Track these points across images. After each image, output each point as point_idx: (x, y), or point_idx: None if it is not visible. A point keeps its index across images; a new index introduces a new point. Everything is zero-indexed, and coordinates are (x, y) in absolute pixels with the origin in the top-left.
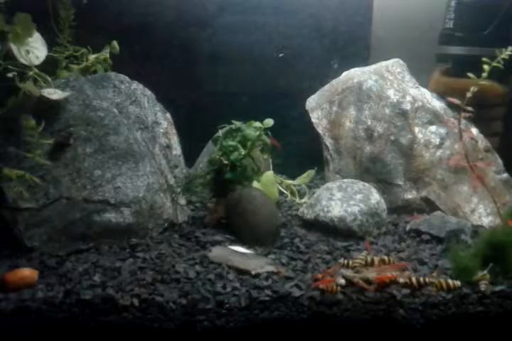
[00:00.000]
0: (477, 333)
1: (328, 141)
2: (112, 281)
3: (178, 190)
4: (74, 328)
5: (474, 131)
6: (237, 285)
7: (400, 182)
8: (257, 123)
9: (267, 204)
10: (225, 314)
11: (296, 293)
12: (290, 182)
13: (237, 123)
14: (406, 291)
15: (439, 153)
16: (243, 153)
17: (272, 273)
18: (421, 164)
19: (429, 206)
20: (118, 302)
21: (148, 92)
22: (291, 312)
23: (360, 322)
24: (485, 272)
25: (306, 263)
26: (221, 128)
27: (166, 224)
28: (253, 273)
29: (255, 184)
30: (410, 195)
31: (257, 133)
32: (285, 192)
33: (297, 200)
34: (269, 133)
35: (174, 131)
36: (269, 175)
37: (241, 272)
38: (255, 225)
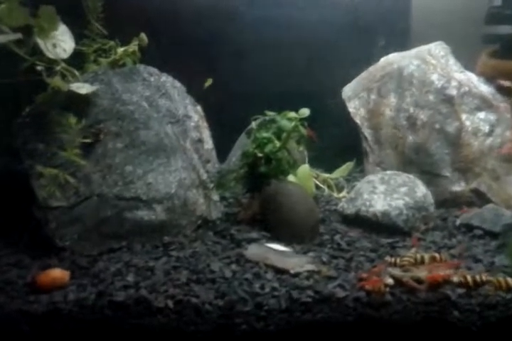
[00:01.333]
0: None
1: (366, 132)
2: (146, 282)
3: (211, 185)
4: (106, 331)
5: None
6: (276, 285)
7: (447, 174)
8: (292, 114)
9: (304, 199)
10: (264, 316)
11: (341, 293)
12: (327, 175)
13: (271, 114)
14: (461, 291)
15: (488, 141)
16: (278, 145)
17: (313, 273)
18: (469, 153)
19: (479, 199)
20: (152, 304)
21: (178, 84)
22: (335, 315)
23: (411, 324)
24: None
25: (348, 261)
26: (255, 119)
27: (199, 221)
28: (292, 272)
29: (291, 178)
30: (458, 187)
31: (293, 123)
32: (322, 186)
33: (335, 195)
34: (305, 123)
35: (205, 124)
36: (305, 168)
37: (279, 271)
38: (292, 221)
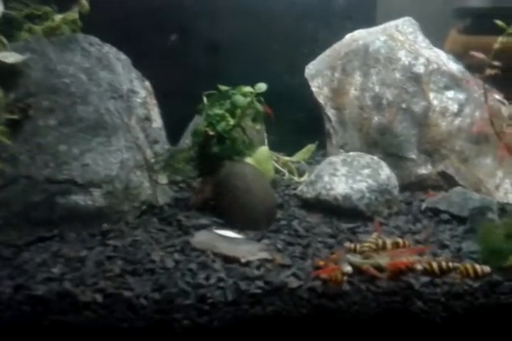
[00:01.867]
0: (509, 328)
1: (330, 112)
2: (73, 274)
3: (159, 167)
4: (24, 328)
5: (498, 97)
6: (223, 275)
7: (413, 156)
8: (248, 88)
9: (260, 182)
10: (207, 310)
11: (294, 283)
12: (287, 158)
13: (224, 89)
14: (425, 279)
15: (457, 121)
16: (232, 122)
17: (266, 261)
18: (437, 134)
19: (446, 182)
20: (77, 299)
21: (123, 57)
22: (287, 307)
23: (371, 317)
24: None
25: (305, 248)
26: (207, 95)
27: (144, 207)
28: (243, 261)
29: (248, 160)
30: (425, 170)
31: (248, 99)
32: (282, 170)
33: (296, 179)
34: (262, 99)
35: (154, 101)
36: (264, 150)
37: (229, 260)
38: (246, 206)
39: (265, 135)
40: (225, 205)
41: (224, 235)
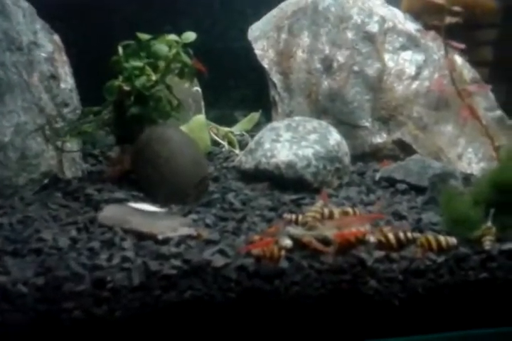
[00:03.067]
0: (479, 310)
1: (275, 77)
2: None
3: (67, 134)
4: None
5: (459, 59)
6: (131, 254)
7: (367, 124)
8: (172, 36)
9: (187, 149)
10: (107, 298)
11: (219, 261)
12: (228, 129)
13: (144, 37)
14: (380, 254)
15: (415, 85)
16: (154, 78)
17: (189, 238)
18: (392, 99)
19: (403, 151)
20: None
21: (25, 4)
22: (210, 291)
23: (315, 300)
24: (489, 224)
25: (240, 223)
26: (124, 46)
27: (45, 180)
28: (160, 237)
29: (183, 128)
30: (380, 139)
31: (173, 50)
32: (222, 142)
33: (237, 151)
34: (191, 52)
35: (65, 58)
36: (199, 118)
37: (143, 237)
38: (170, 176)
39: (202, 103)
40: (146, 176)
41: (139, 209)
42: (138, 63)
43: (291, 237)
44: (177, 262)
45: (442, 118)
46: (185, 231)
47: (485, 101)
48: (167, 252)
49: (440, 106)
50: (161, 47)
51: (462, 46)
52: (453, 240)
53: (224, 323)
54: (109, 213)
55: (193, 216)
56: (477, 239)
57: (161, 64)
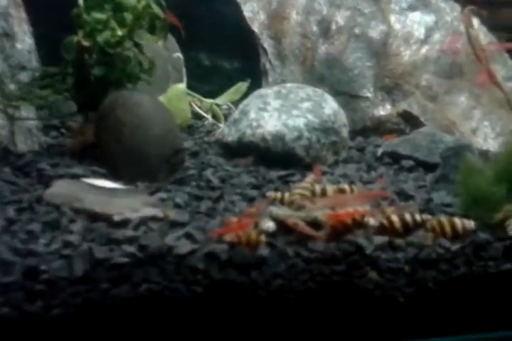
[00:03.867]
0: (502, 308)
1: (266, 42)
2: None
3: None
4: None
5: (475, 22)
6: (76, 238)
7: (368, 94)
8: None
9: (158, 116)
10: (42, 292)
11: (184, 247)
12: (212, 101)
13: None
14: (382, 240)
15: (424, 50)
16: (120, 33)
17: (152, 220)
18: (398, 66)
19: (410, 125)
20: None
21: None
22: (172, 284)
23: (301, 296)
24: None
25: (216, 202)
26: None
27: None
28: (116, 218)
29: (162, 98)
30: (383, 111)
31: (142, 0)
32: (205, 115)
33: (221, 125)
34: (164, 4)
35: (23, 15)
36: (179, 87)
37: (97, 218)
38: (137, 148)
39: (184, 71)
40: (109, 149)
41: (96, 185)
42: (101, 16)
43: (274, 219)
44: (131, 248)
45: (455, 88)
46: (149, 211)
47: (504, 70)
48: (121, 236)
49: (453, 74)
50: None
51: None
52: (470, 224)
53: (189, 324)
54: (58, 190)
55: (162, 194)
56: (499, 223)
57: (129, 17)
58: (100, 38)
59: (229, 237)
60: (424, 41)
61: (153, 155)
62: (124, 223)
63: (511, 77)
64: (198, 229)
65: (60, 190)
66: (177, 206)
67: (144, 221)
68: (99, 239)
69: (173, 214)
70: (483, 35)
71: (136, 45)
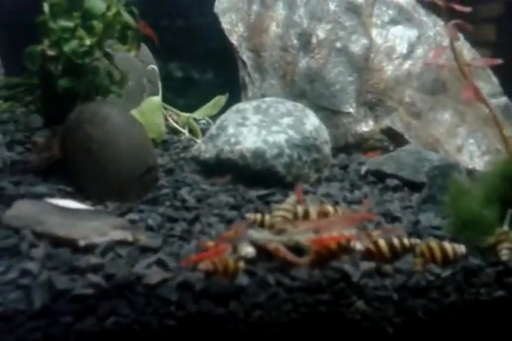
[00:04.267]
0: (495, 338)
1: (245, 55)
2: None
3: None
4: None
5: (460, 37)
6: (35, 267)
7: (351, 110)
8: None
9: (129, 130)
10: None
11: (155, 276)
12: (187, 115)
13: None
14: (369, 266)
15: (406, 65)
16: (88, 42)
17: (122, 244)
18: (381, 81)
19: (393, 142)
20: None
21: None
22: (142, 317)
23: (284, 328)
24: (505, 228)
25: (191, 224)
26: (50, 3)
27: None
28: (82, 243)
29: (134, 113)
30: (365, 127)
31: (112, 8)
32: (182, 130)
33: (199, 140)
34: (136, 11)
35: None
36: (153, 100)
37: (60, 243)
38: (107, 165)
39: (160, 84)
40: (76, 166)
41: (60, 206)
42: (68, 23)
43: (254, 244)
44: (96, 278)
45: (439, 104)
46: (118, 235)
47: (488, 86)
48: (85, 264)
49: (436, 90)
50: (96, 3)
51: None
52: (461, 248)
53: None
54: (18, 212)
55: (133, 216)
56: (491, 247)
57: (98, 25)
58: (67, 47)
59: (204, 265)
60: (407, 56)
61: (124, 172)
62: (89, 248)
63: (495, 94)
64: (171, 255)
65: (20, 211)
66: (149, 228)
67: (111, 246)
68: (60, 267)
69: (144, 238)
70: (467, 51)
71: (106, 55)
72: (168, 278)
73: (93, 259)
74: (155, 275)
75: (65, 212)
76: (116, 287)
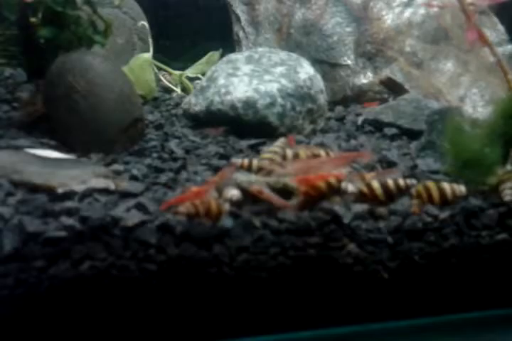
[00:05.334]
0: (496, 284)
1: (239, 9)
2: None
3: None
4: None
5: None
6: (7, 211)
7: (349, 62)
8: None
9: (114, 80)
10: None
11: (131, 219)
12: (179, 72)
13: None
14: (361, 207)
15: (407, 13)
16: None
17: (103, 192)
18: (380, 31)
19: (393, 93)
20: None
21: None
22: (119, 261)
23: (271, 273)
24: (508, 168)
25: (177, 173)
26: None
27: None
28: (60, 190)
29: (126, 69)
30: (364, 79)
31: None
32: (174, 88)
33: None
34: None
35: None
36: (142, 57)
37: (38, 191)
38: (90, 116)
39: (151, 41)
40: (59, 118)
41: (40, 156)
42: None
43: (240, 186)
44: (70, 220)
45: (441, 53)
46: (98, 183)
47: (493, 34)
48: (61, 208)
49: (438, 39)
50: None
51: None
52: (461, 188)
53: (140, 309)
54: None
55: (118, 166)
56: (493, 188)
57: None
58: None
59: (184, 208)
60: (408, 4)
61: (109, 123)
62: (67, 195)
63: (501, 42)
64: (153, 200)
65: None
66: (134, 178)
67: (90, 193)
68: (34, 212)
69: (125, 185)
70: None
71: (89, 3)
72: (146, 220)
73: (69, 203)
74: (133, 218)
75: (45, 161)
76: (92, 229)
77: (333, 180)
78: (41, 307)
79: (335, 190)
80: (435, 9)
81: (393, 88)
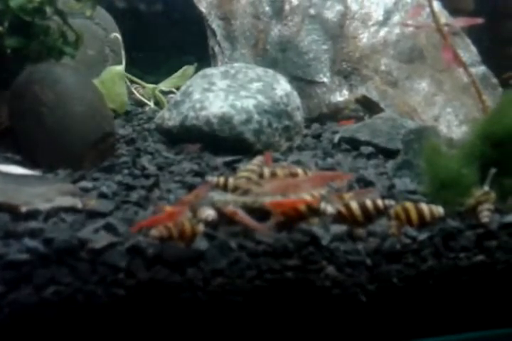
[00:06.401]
0: (475, 305)
1: (214, 23)
2: None
3: None
4: None
5: (436, 5)
6: None
7: (325, 79)
8: None
9: (83, 93)
10: None
11: (100, 241)
12: (152, 86)
13: None
14: (340, 229)
15: (383, 32)
16: None
17: (70, 211)
18: (356, 50)
19: (369, 111)
20: None
21: None
22: (86, 287)
23: (247, 297)
24: (486, 189)
25: (150, 191)
26: None
27: None
28: (24, 209)
29: (96, 82)
30: (340, 97)
31: None
32: (147, 102)
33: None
34: None
35: None
36: (114, 69)
37: (0, 209)
38: (58, 130)
39: (123, 54)
40: (25, 131)
41: (3, 172)
42: None
43: (215, 206)
44: (33, 242)
45: (416, 73)
46: (65, 201)
47: (467, 55)
48: (25, 229)
49: (413, 58)
50: None
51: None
52: (439, 209)
53: (108, 336)
54: None
55: (86, 183)
56: (471, 209)
57: None
58: (14, 3)
59: (157, 231)
60: (383, 23)
61: (77, 138)
62: (31, 215)
63: (474, 63)
64: (124, 221)
65: None
66: (103, 196)
67: (56, 212)
68: None
69: (94, 203)
70: (445, 20)
71: (59, 13)
72: (116, 242)
73: (33, 224)
74: (101, 240)
75: (8, 177)
76: (57, 252)
77: (310, 202)
78: (1, 334)
79: (313, 211)
80: (410, 29)
81: (369, 106)
